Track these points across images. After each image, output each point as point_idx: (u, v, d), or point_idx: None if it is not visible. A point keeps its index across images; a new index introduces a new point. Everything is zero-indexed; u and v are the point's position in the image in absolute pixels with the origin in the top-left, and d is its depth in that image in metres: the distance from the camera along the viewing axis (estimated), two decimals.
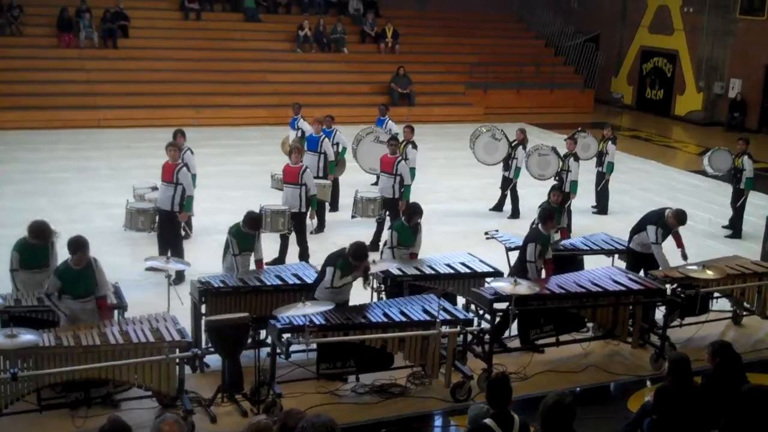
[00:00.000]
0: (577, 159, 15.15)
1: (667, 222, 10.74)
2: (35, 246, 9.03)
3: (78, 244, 8.34)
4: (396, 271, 9.92)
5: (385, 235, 10.54)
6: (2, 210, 14.35)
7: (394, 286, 9.83)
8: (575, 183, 14.92)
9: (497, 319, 9.23)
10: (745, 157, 15.09)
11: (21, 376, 7.36)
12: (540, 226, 10.27)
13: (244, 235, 10.05)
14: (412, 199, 12.49)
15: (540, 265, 10.10)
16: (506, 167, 15.94)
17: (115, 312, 8.80)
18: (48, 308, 8.50)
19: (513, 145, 15.96)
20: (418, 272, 9.99)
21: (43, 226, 9.08)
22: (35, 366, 7.48)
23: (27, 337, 7.50)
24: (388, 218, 13.29)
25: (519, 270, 10.15)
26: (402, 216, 11.15)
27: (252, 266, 10.18)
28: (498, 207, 16.00)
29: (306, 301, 8.47)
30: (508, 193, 15.83)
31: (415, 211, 10.58)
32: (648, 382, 9.47)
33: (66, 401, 7.97)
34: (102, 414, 7.81)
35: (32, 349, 7.46)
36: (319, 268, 9.73)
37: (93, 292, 8.45)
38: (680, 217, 10.78)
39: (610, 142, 16.26)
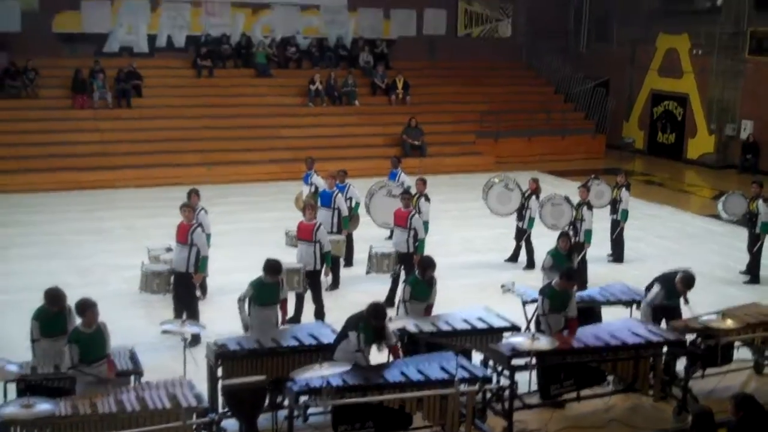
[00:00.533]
0: (590, 207, 15.12)
1: (676, 287, 10.54)
2: (54, 313, 9.03)
3: (86, 305, 8.44)
4: (413, 329, 9.86)
5: (405, 293, 10.48)
6: (15, 274, 14.39)
7: (411, 344, 9.76)
8: (589, 232, 14.88)
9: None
10: (760, 201, 15.03)
11: None
12: (554, 281, 10.15)
13: (267, 286, 10.02)
14: (426, 253, 12.45)
15: (551, 321, 9.94)
16: (520, 218, 15.93)
17: (132, 378, 8.77)
18: (64, 376, 8.47)
19: (526, 195, 15.96)
20: (434, 329, 9.92)
21: (58, 291, 9.11)
22: None
23: (43, 406, 7.51)
24: (403, 273, 13.25)
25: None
26: (416, 270, 11.12)
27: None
28: (513, 258, 15.95)
29: (323, 362, 8.43)
30: (523, 243, 15.78)
31: (429, 264, 10.53)
32: None
33: None
34: None
35: (49, 419, 7.45)
36: (335, 326, 9.73)
37: (105, 355, 8.48)
38: (688, 281, 10.44)
39: (623, 189, 16.22)
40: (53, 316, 9.02)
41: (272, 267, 10.08)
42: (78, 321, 8.72)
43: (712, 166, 27.47)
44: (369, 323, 8.98)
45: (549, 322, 9.92)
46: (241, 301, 10.10)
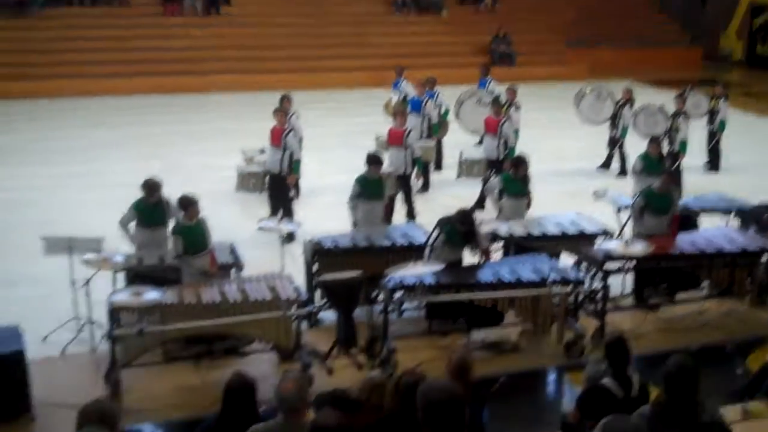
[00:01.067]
0: (686, 117, 14.78)
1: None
2: (152, 204, 9.35)
3: (189, 201, 8.73)
4: (504, 232, 9.91)
5: (492, 183, 10.56)
6: (113, 173, 14.87)
7: (504, 247, 9.83)
8: (684, 142, 14.56)
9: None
10: None
11: (147, 331, 7.68)
12: (654, 184, 10.06)
13: (372, 181, 10.14)
14: None
15: (648, 222, 9.90)
16: (613, 126, 15.67)
17: (232, 271, 9.06)
18: (169, 267, 8.82)
19: (619, 104, 15.66)
20: (526, 233, 9.95)
21: (155, 180, 9.46)
22: (159, 322, 7.79)
23: (151, 295, 7.82)
24: (492, 179, 13.24)
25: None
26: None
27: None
28: (606, 165, 15.78)
29: (417, 261, 8.58)
30: (616, 151, 15.57)
31: (520, 161, 10.49)
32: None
33: (189, 354, 8.29)
34: (224, 366, 8.13)
35: (157, 306, 7.78)
36: (426, 228, 9.85)
37: (207, 247, 8.76)
38: None
39: (722, 100, 15.78)
40: (152, 207, 9.34)
41: (374, 158, 10.22)
42: (177, 214, 9.08)
43: None
44: (455, 227, 9.04)
45: (645, 224, 9.85)
46: (351, 199, 10.21)
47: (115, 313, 7.74)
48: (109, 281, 8.67)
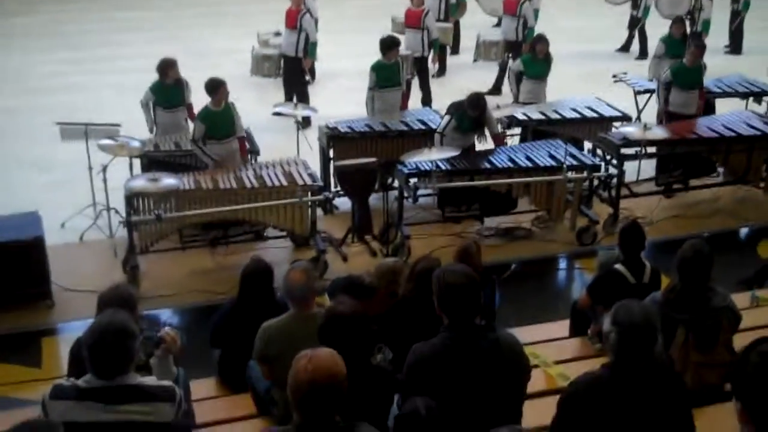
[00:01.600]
0: None
1: None
2: (169, 85, 9.31)
3: (216, 83, 8.60)
4: (521, 116, 9.84)
5: (514, 66, 10.46)
6: (131, 58, 14.75)
7: (521, 132, 9.80)
8: (707, 22, 14.25)
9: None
10: None
11: (164, 217, 7.76)
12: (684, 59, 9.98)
13: (388, 67, 10.00)
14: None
15: (677, 96, 9.92)
16: (634, 6, 15.32)
17: (249, 156, 9.09)
18: (186, 152, 8.86)
19: None
20: (543, 117, 9.88)
21: (169, 59, 9.42)
22: (177, 208, 7.86)
23: (168, 180, 7.85)
24: (511, 61, 13.06)
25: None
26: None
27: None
28: (625, 47, 15.50)
29: (432, 146, 8.56)
30: (636, 32, 15.24)
31: (540, 39, 10.33)
32: None
33: (206, 240, 8.42)
34: (240, 252, 8.28)
35: (174, 192, 7.83)
36: (442, 112, 9.78)
37: (233, 133, 8.72)
38: None
39: None
40: (168, 88, 9.31)
41: (390, 42, 10.05)
42: (192, 95, 9.22)
43: None
44: (466, 113, 8.95)
45: (674, 100, 9.85)
46: (369, 90, 10.05)
47: (132, 199, 7.80)
48: (126, 167, 8.71)
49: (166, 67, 9.29)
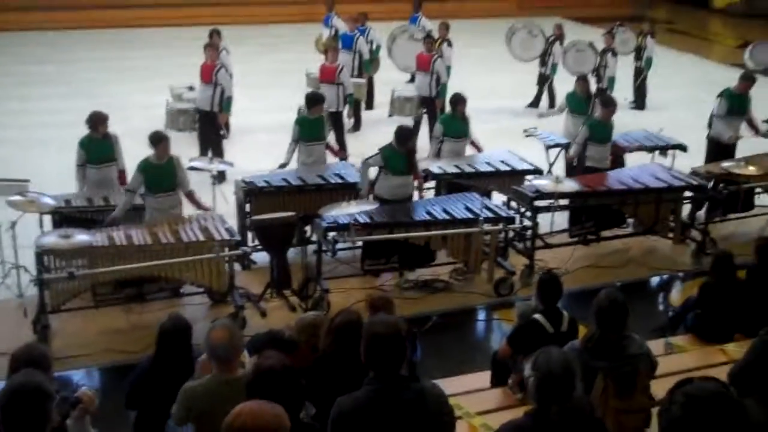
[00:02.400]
0: (615, 54, 15.00)
1: (734, 90, 10.77)
2: (99, 139, 9.11)
3: (159, 137, 8.51)
4: (436, 170, 9.97)
5: (436, 130, 10.60)
6: (43, 112, 14.48)
7: (436, 185, 9.94)
8: (613, 79, 14.81)
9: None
10: None
11: (77, 274, 7.56)
12: (597, 113, 10.36)
13: (311, 121, 10.02)
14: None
15: (593, 152, 10.20)
16: (543, 63, 15.77)
17: None
18: (98, 208, 8.69)
19: (550, 40, 15.74)
20: (458, 170, 10.03)
21: (99, 113, 9.21)
22: (90, 265, 7.67)
23: (81, 237, 7.70)
24: (425, 116, 13.27)
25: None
26: (440, 112, 11.14)
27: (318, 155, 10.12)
28: (534, 103, 15.89)
29: (350, 200, 8.60)
30: (545, 89, 15.68)
31: (459, 99, 10.48)
32: (689, 278, 9.55)
33: (120, 298, 8.21)
34: (155, 310, 8.09)
35: (87, 249, 7.65)
36: (358, 166, 9.86)
37: (174, 187, 8.57)
38: (747, 78, 10.90)
39: (648, 37, 16.01)
40: (99, 143, 9.11)
41: (315, 98, 10.12)
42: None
43: (738, 15, 26.80)
44: (394, 149, 9.08)
45: (589, 154, 10.12)
46: (292, 143, 10.03)
47: (43, 256, 7.59)
48: (36, 224, 8.47)
49: (97, 120, 9.10)
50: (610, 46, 15.02)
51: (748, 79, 10.99)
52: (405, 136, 9.19)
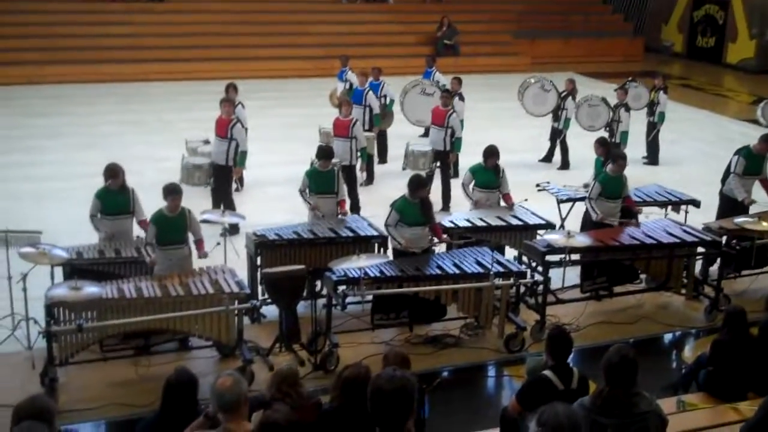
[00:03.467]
0: (627, 109, 15.03)
1: (753, 149, 10.68)
2: (115, 191, 9.15)
3: (170, 190, 8.60)
4: (447, 223, 9.96)
5: (465, 177, 10.65)
6: (55, 164, 14.61)
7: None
8: (626, 134, 14.83)
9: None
10: None
11: (86, 327, 7.56)
12: (608, 167, 10.24)
13: (323, 174, 10.05)
14: (464, 152, 12.46)
15: (600, 207, 10.07)
16: (555, 118, 15.82)
17: None
18: (110, 260, 8.69)
19: (562, 95, 15.81)
20: (469, 224, 10.02)
21: (115, 165, 9.25)
22: (98, 317, 7.68)
23: (90, 289, 7.70)
24: (438, 171, 13.30)
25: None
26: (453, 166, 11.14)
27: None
28: (547, 158, 15.91)
29: (361, 253, 8.58)
30: (558, 144, 15.72)
31: (492, 152, 10.46)
32: (702, 334, 9.46)
33: (128, 349, 8.20)
34: (163, 363, 8.05)
35: (96, 301, 7.65)
36: (371, 220, 9.90)
37: (185, 240, 8.67)
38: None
39: (661, 92, 16.04)
40: (114, 194, 9.14)
41: (324, 152, 10.15)
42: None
43: (751, 71, 26.93)
44: (407, 199, 9.11)
45: (601, 209, 10.03)
46: (301, 192, 10.13)
47: (52, 308, 7.60)
48: (47, 276, 8.49)
49: (114, 172, 9.14)
50: (622, 101, 15.08)
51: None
52: (418, 185, 9.21)
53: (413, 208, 9.17)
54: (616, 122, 14.90)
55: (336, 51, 19.64)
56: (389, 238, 9.32)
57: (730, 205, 10.85)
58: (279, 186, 13.41)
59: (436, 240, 9.47)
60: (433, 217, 9.37)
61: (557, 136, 15.74)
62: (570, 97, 15.70)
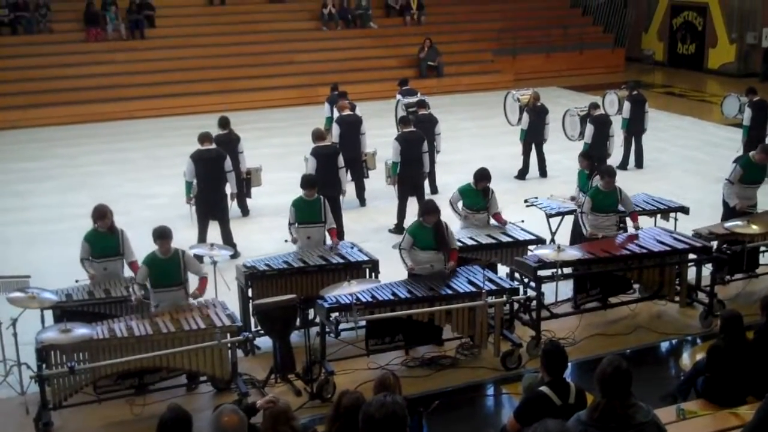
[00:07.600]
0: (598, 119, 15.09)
1: (753, 159, 10.71)
2: (104, 234, 9.09)
3: (160, 233, 8.50)
4: None
5: (453, 196, 10.59)
6: (44, 207, 14.55)
7: None
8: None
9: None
10: None
11: (78, 369, 7.50)
12: (598, 182, 10.22)
13: (308, 203, 9.98)
14: (449, 172, 12.42)
15: (591, 220, 10.07)
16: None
17: None
18: (99, 301, 8.64)
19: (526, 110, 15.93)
20: (460, 244, 9.97)
21: (103, 207, 9.16)
22: (90, 359, 7.62)
23: (81, 331, 7.64)
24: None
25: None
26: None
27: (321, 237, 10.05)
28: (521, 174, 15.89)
29: (351, 279, 8.53)
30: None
31: (478, 175, 10.42)
32: (698, 341, 9.43)
33: (122, 389, 8.12)
34: (158, 400, 7.99)
35: (87, 343, 7.60)
36: (359, 245, 9.90)
37: (180, 282, 8.56)
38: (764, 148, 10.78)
39: (625, 100, 16.27)
40: (103, 237, 9.07)
41: (309, 180, 10.13)
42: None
43: (733, 75, 27.08)
44: (420, 224, 9.12)
45: (593, 223, 10.02)
46: (290, 225, 10.01)
47: (43, 351, 7.54)
48: (37, 319, 8.41)
49: (101, 214, 9.07)
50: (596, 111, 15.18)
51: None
52: (430, 210, 9.16)
53: (426, 233, 9.15)
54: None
55: (320, 78, 19.67)
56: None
57: (731, 211, 10.85)
58: (268, 216, 13.41)
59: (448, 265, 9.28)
60: (447, 242, 9.25)
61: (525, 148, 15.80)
62: (525, 110, 15.80)
